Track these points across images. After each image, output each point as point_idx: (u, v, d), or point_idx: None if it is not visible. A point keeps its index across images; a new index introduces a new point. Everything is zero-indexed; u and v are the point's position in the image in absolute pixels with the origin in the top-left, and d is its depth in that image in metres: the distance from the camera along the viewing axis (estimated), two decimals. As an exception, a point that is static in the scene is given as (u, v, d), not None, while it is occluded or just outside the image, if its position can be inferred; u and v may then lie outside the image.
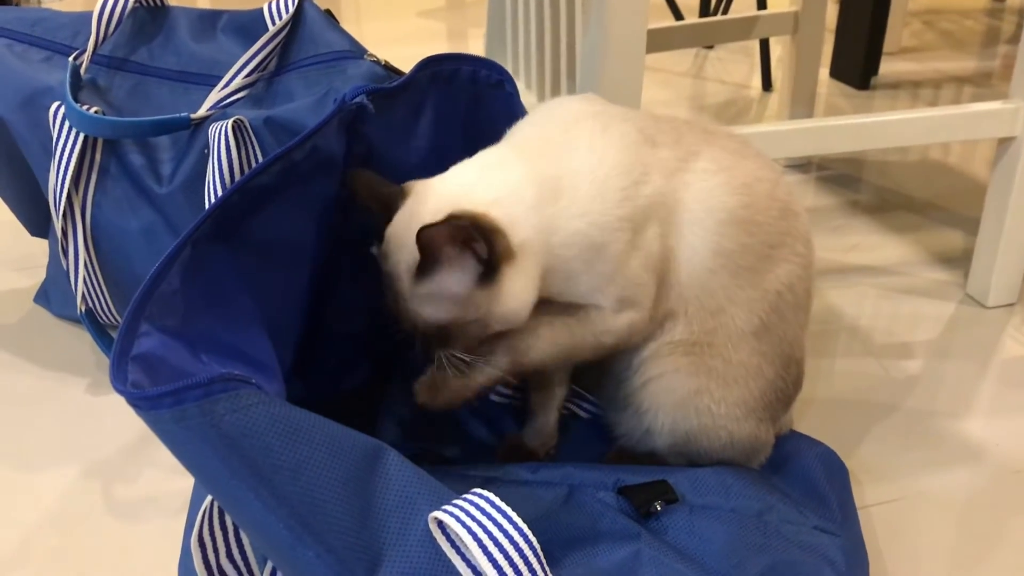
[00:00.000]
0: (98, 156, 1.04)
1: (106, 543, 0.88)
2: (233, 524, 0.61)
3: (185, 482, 0.66)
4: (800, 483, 0.83)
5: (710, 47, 2.37)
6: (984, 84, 2.11)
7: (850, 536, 0.78)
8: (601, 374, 0.85)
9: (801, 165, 1.70)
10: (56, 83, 1.05)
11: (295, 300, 0.74)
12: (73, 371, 1.12)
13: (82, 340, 1.16)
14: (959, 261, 1.36)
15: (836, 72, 2.13)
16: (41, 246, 1.22)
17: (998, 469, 0.97)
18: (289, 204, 0.68)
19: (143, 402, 0.49)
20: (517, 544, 0.54)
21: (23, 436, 1.03)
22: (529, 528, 0.55)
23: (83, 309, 1.07)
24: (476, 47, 2.19)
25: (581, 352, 0.78)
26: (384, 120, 0.78)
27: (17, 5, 2.43)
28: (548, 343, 0.76)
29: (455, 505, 0.56)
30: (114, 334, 0.53)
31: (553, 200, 0.71)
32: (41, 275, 1.24)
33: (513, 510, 0.56)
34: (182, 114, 1.01)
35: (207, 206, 0.78)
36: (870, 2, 1.99)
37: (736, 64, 2.27)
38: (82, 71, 1.06)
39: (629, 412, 0.82)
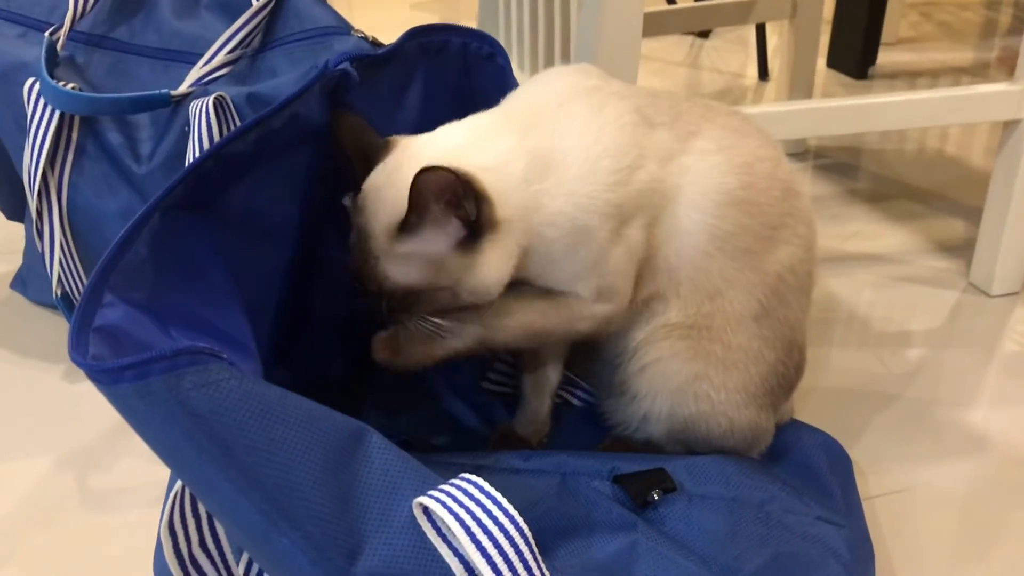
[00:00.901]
0: (75, 135, 1.01)
1: (80, 534, 0.85)
2: (207, 512, 0.57)
3: (163, 472, 0.62)
4: (802, 472, 0.81)
5: (705, 36, 2.34)
6: (982, 75, 2.10)
7: (854, 527, 0.76)
8: (595, 360, 0.82)
9: (798, 153, 1.68)
10: (31, 59, 1.01)
11: (275, 279, 0.71)
12: (49, 358, 1.09)
13: (59, 327, 1.13)
14: (961, 250, 1.33)
15: (833, 62, 2.10)
16: (18, 231, 1.19)
17: (1003, 460, 0.95)
18: (268, 174, 0.64)
19: (103, 375, 0.46)
20: (507, 531, 0.51)
21: (-4, 425, 0.99)
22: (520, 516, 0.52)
23: (59, 293, 1.03)
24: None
25: (552, 337, 0.76)
26: (370, 91, 0.74)
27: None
28: (519, 325, 0.73)
29: (441, 490, 0.53)
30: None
31: (541, 177, 0.68)
32: (18, 261, 1.20)
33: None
34: (162, 91, 0.97)
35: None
36: (867, -7, 1.97)
37: (732, 53, 2.25)
38: (59, 47, 1.03)
39: (625, 399, 0.79)
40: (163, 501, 0.68)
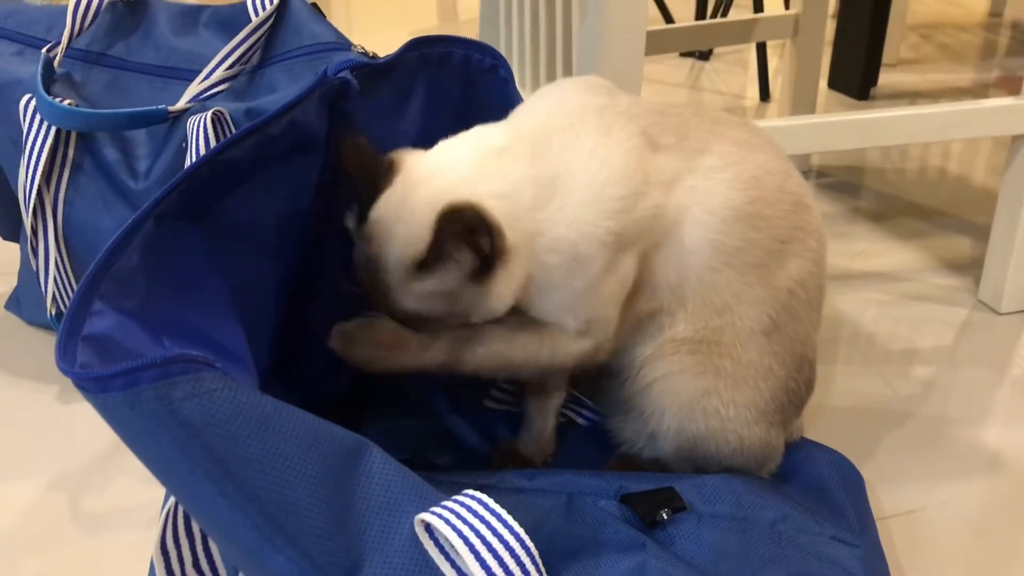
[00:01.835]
0: (71, 151, 0.99)
1: (74, 557, 0.83)
2: (201, 530, 0.55)
3: (158, 493, 0.61)
4: (814, 491, 0.79)
5: (706, 58, 2.34)
6: (982, 96, 2.09)
7: (869, 546, 0.73)
8: (600, 375, 0.80)
9: (802, 172, 1.66)
10: (28, 76, 1.00)
11: (272, 292, 0.69)
12: (43, 379, 1.07)
13: (53, 347, 1.10)
14: (968, 267, 1.32)
15: (834, 83, 2.10)
16: (14, 252, 1.17)
17: (1018, 479, 0.92)
18: (265, 183, 0.63)
19: (91, 384, 0.44)
20: (512, 549, 0.49)
21: (-12, 446, 0.97)
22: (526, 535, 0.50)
23: (53, 312, 1.02)
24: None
25: (530, 369, 0.74)
26: (370, 101, 0.73)
27: None
28: (495, 356, 0.71)
29: (444, 507, 0.51)
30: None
31: (547, 202, 0.67)
32: (13, 282, 1.19)
33: (507, 515, 0.51)
34: (159, 106, 0.96)
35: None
36: (868, 15, 1.97)
37: (732, 75, 2.25)
38: (56, 64, 1.02)
39: (632, 416, 0.77)
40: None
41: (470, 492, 0.52)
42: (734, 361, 0.73)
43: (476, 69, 0.82)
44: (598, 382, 0.82)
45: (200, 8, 1.09)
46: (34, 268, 1.02)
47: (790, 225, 0.73)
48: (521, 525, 0.51)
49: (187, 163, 0.92)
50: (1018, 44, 2.49)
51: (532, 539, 0.50)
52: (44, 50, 1.02)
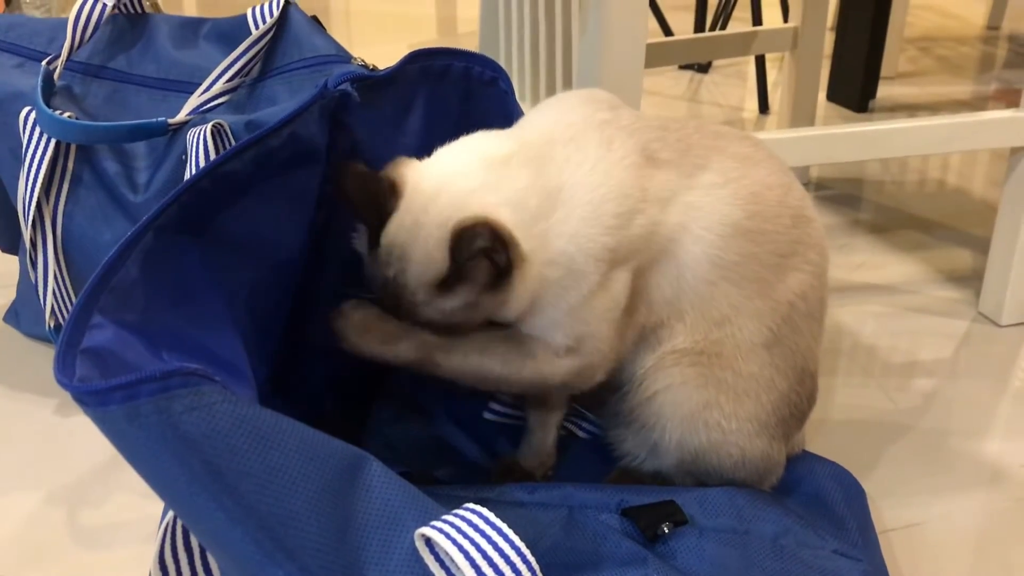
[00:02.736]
0: (70, 164, 0.99)
1: (72, 571, 0.82)
2: (200, 545, 0.55)
3: (157, 507, 0.60)
4: (815, 505, 0.78)
5: (705, 71, 2.35)
6: (980, 109, 2.09)
7: (872, 561, 0.73)
8: (601, 388, 0.80)
9: (802, 184, 1.66)
10: (28, 88, 1.00)
11: (272, 306, 0.69)
12: (42, 392, 1.06)
13: (52, 360, 1.10)
14: (968, 279, 1.31)
15: (833, 95, 2.10)
16: (13, 264, 1.17)
17: (1018, 491, 0.92)
18: (265, 196, 0.63)
19: (90, 397, 0.43)
20: (514, 564, 0.49)
21: (-14, 460, 0.97)
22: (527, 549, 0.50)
23: (52, 325, 1.01)
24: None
25: (514, 385, 0.74)
26: (370, 113, 0.73)
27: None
28: (470, 365, 0.71)
29: (444, 521, 0.50)
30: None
31: (550, 214, 0.67)
32: (12, 294, 1.18)
33: (508, 529, 0.50)
34: (159, 119, 0.96)
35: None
36: (867, 28, 1.98)
37: (731, 88, 2.25)
38: (55, 76, 1.02)
39: (634, 428, 0.76)
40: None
41: (470, 506, 0.52)
42: (735, 374, 0.73)
43: (476, 82, 0.82)
44: (599, 395, 0.81)
45: (200, 21, 1.09)
46: (33, 280, 1.02)
47: (790, 239, 0.73)
48: (522, 539, 0.50)
49: (187, 176, 0.92)
50: (1016, 56, 2.50)
51: (532, 553, 0.50)
52: (44, 63, 1.02)
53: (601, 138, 0.70)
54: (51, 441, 0.99)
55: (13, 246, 1.15)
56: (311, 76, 1.00)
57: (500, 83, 0.83)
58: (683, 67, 2.36)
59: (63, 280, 1.01)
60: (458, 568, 0.48)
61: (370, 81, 0.73)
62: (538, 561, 0.50)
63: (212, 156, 0.90)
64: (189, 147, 0.91)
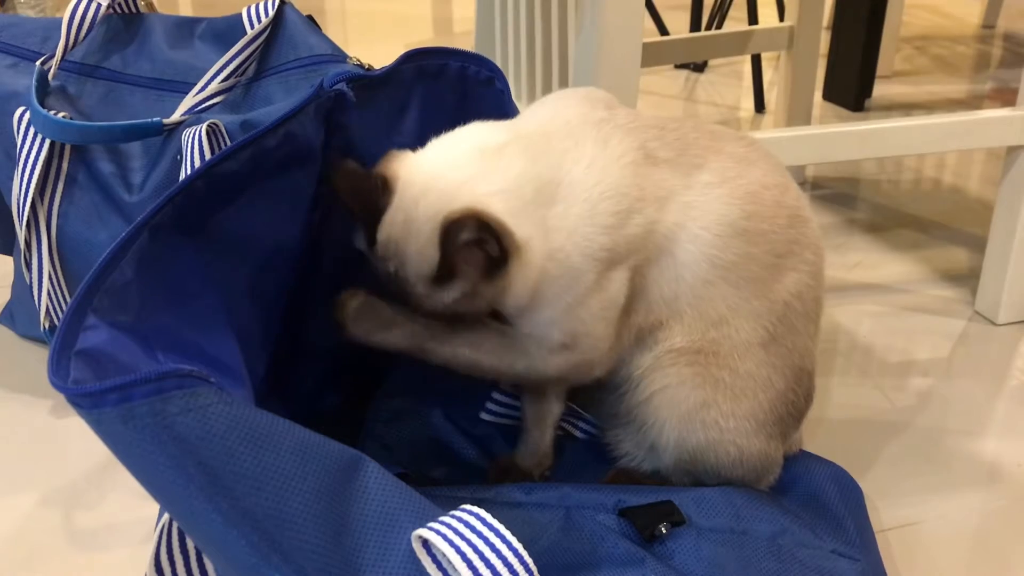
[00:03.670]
0: (65, 164, 0.99)
1: (67, 573, 0.81)
2: (195, 547, 0.55)
3: (153, 509, 0.60)
4: (813, 505, 0.78)
5: (700, 70, 2.35)
6: (976, 108, 2.10)
7: (869, 560, 0.73)
8: (598, 388, 0.80)
9: (797, 183, 1.66)
10: (22, 89, 0.99)
11: (268, 305, 0.69)
12: (36, 393, 1.06)
13: (46, 361, 1.10)
14: (965, 278, 1.32)
15: (829, 95, 2.10)
16: (8, 264, 1.16)
17: (1016, 491, 0.92)
18: (261, 196, 0.62)
19: (84, 399, 0.43)
20: (511, 565, 0.49)
21: (-20, 461, 0.96)
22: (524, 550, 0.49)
23: (46, 326, 1.01)
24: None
25: (507, 377, 0.75)
26: (366, 113, 0.73)
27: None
28: (463, 359, 0.72)
29: (442, 522, 0.50)
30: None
31: (549, 204, 0.67)
32: (7, 295, 1.18)
33: (505, 530, 0.50)
34: (154, 119, 0.95)
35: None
36: (862, 27, 1.98)
37: (727, 87, 2.25)
38: (50, 76, 1.01)
39: (632, 428, 0.76)
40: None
41: (468, 507, 0.51)
42: (732, 373, 0.73)
43: (472, 81, 0.82)
44: (596, 395, 0.81)
45: (195, 21, 1.09)
46: (28, 281, 1.01)
47: (786, 239, 0.73)
48: (519, 540, 0.50)
49: (182, 176, 0.91)
50: (1011, 55, 2.50)
51: (530, 554, 0.50)
52: (39, 63, 1.01)
53: (598, 136, 0.70)
54: (46, 443, 0.99)
55: (8, 247, 1.15)
56: (307, 76, 1.00)
57: (496, 83, 0.82)
58: (679, 66, 2.36)
59: (58, 281, 1.00)
60: (455, 570, 0.48)
61: (366, 80, 0.73)
62: (535, 562, 0.50)
63: (207, 156, 0.90)
64: (184, 147, 0.91)
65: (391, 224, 0.67)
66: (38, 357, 1.13)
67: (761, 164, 0.74)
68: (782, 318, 0.73)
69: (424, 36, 2.83)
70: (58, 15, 1.03)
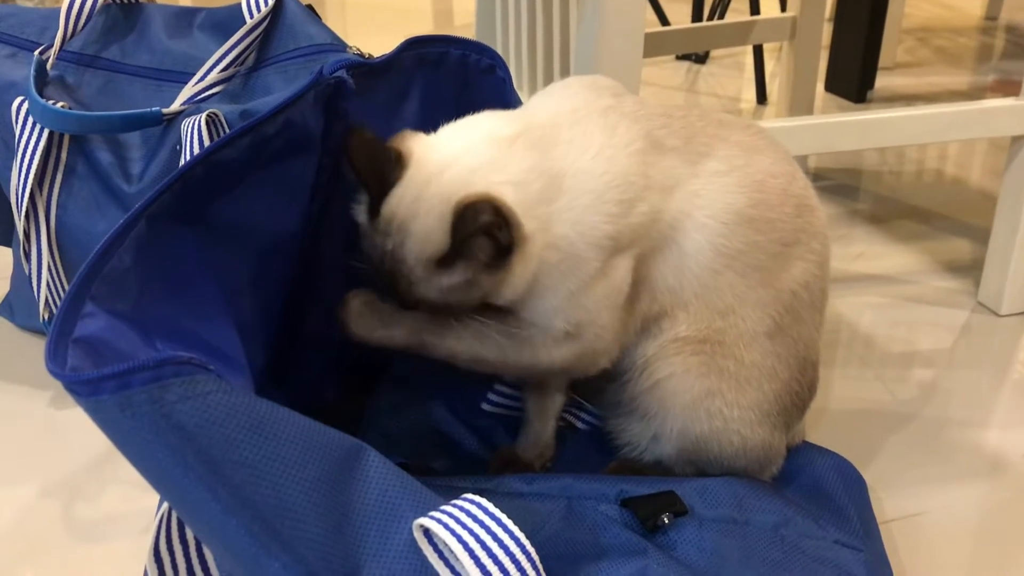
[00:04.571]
0: (64, 154, 0.98)
1: (67, 564, 0.81)
2: (195, 537, 0.54)
3: (152, 500, 0.59)
4: (816, 495, 0.78)
5: (702, 61, 2.34)
6: (978, 99, 2.08)
7: (873, 551, 0.73)
8: (600, 377, 0.79)
9: (800, 175, 1.66)
10: (20, 79, 0.99)
11: (267, 294, 0.68)
12: (36, 384, 1.05)
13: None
14: (968, 269, 1.31)
15: (831, 86, 2.09)
16: (6, 255, 1.16)
17: (1018, 481, 0.92)
18: (260, 184, 0.62)
19: (82, 387, 0.43)
20: (513, 555, 0.48)
21: (-20, 453, 0.96)
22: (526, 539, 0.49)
23: (46, 317, 1.00)
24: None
25: (511, 369, 0.75)
26: (366, 101, 0.72)
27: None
28: (466, 353, 0.71)
29: (443, 511, 0.50)
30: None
31: (553, 198, 0.67)
32: (5, 286, 1.18)
33: (507, 520, 0.50)
34: (153, 109, 0.95)
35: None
36: (865, 18, 1.97)
37: (729, 78, 2.24)
38: (49, 66, 1.01)
39: (635, 417, 0.76)
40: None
41: (469, 496, 0.51)
42: (737, 362, 0.72)
43: (473, 69, 0.81)
44: (598, 384, 0.81)
45: (194, 10, 1.08)
46: (27, 272, 1.01)
47: (793, 228, 0.73)
48: (521, 530, 0.50)
49: (181, 164, 0.91)
50: (1014, 47, 2.49)
51: (531, 544, 0.49)
52: (37, 52, 1.01)
53: (605, 124, 0.70)
54: (46, 433, 0.98)
55: (6, 238, 1.14)
56: (306, 65, 0.99)
57: (498, 71, 0.82)
58: (680, 57, 2.35)
59: (57, 271, 1.00)
60: (457, 559, 0.47)
61: (366, 68, 0.72)
62: (537, 552, 0.49)
63: (206, 146, 0.89)
64: (183, 137, 0.91)
65: (399, 199, 0.66)
66: (37, 348, 1.13)
67: (768, 152, 0.74)
68: (788, 308, 0.73)
69: (424, 27, 2.83)
70: (56, 5, 1.03)
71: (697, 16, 2.26)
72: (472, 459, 0.84)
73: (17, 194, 0.97)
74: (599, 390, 0.82)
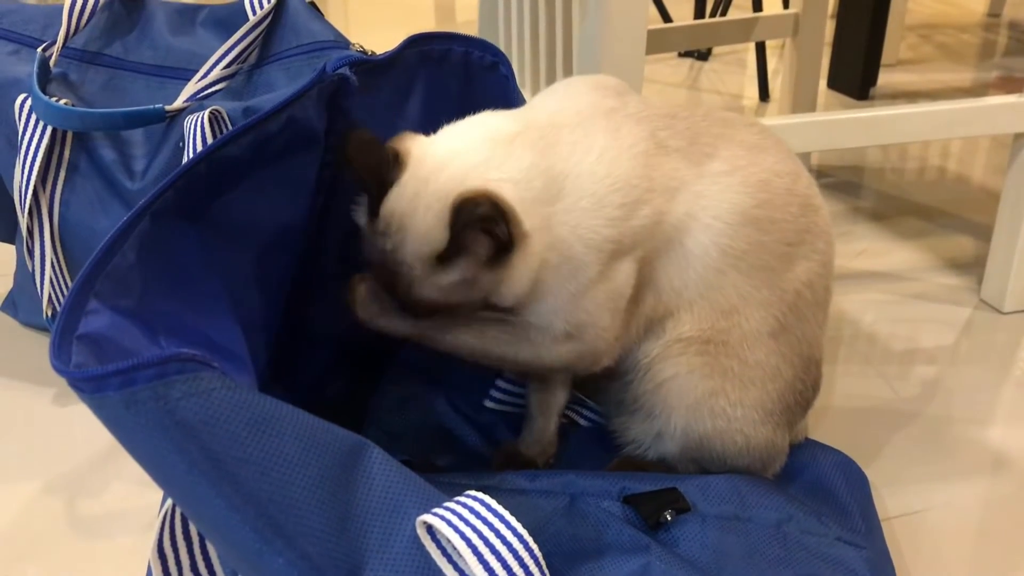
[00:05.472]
0: (67, 152, 0.99)
1: (70, 561, 0.81)
2: (199, 533, 0.54)
3: (156, 496, 0.60)
4: (819, 492, 0.78)
5: (704, 58, 2.34)
6: (981, 96, 2.08)
7: (875, 548, 0.73)
8: (604, 375, 0.79)
9: (802, 173, 1.66)
10: (24, 76, 0.99)
11: (270, 290, 0.68)
12: (39, 381, 1.05)
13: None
14: (970, 266, 1.31)
15: (834, 83, 2.09)
16: (10, 253, 1.16)
17: (1021, 478, 0.92)
18: (263, 182, 0.62)
19: (86, 383, 0.43)
20: (516, 551, 0.48)
21: (-16, 449, 0.96)
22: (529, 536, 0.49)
23: (49, 313, 1.01)
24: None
25: (511, 365, 0.74)
26: (369, 98, 0.72)
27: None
28: (467, 347, 0.71)
29: (446, 508, 0.50)
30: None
31: (555, 198, 0.67)
32: (9, 283, 1.18)
33: (510, 516, 0.50)
34: (156, 106, 0.95)
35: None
36: (867, 15, 1.97)
37: (731, 75, 2.24)
38: (51, 63, 1.01)
39: (639, 416, 0.76)
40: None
41: (472, 493, 0.51)
42: (741, 362, 0.72)
43: (476, 66, 0.81)
44: (601, 382, 0.81)
45: (197, 7, 1.08)
46: (30, 269, 1.01)
47: (798, 228, 0.73)
48: (523, 526, 0.50)
49: (184, 161, 0.91)
50: (1017, 44, 2.49)
51: (534, 540, 0.49)
52: (40, 49, 1.01)
53: (608, 125, 0.70)
54: (49, 430, 0.98)
55: (10, 235, 1.15)
56: (309, 62, 0.99)
57: (501, 68, 0.82)
58: (683, 54, 2.35)
59: (60, 269, 1.00)
60: (460, 555, 0.47)
61: (369, 65, 0.72)
62: (540, 548, 0.49)
63: (209, 143, 0.89)
64: (186, 134, 0.91)
65: (398, 198, 0.66)
66: (41, 345, 1.13)
67: (773, 152, 0.74)
68: (792, 307, 0.73)
69: (426, 24, 2.83)
70: (59, 2, 1.03)
71: (700, 13, 2.26)
72: (475, 456, 0.84)
73: (20, 191, 0.97)
74: (602, 388, 0.82)
